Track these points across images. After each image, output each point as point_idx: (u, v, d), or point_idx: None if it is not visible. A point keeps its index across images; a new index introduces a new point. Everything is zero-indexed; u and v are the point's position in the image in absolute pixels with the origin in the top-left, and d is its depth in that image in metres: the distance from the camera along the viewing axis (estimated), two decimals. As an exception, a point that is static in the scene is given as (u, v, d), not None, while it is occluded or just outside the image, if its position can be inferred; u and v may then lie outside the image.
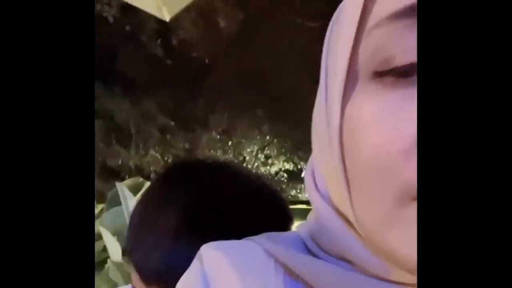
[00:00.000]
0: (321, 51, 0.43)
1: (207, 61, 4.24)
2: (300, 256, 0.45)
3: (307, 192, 0.46)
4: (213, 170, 0.71)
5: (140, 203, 0.71)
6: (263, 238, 0.49)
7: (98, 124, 4.56)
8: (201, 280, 0.47)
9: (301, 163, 5.75)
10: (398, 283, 0.39)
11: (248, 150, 5.28)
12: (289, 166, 5.81)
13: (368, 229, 0.38)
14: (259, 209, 0.66)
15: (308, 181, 0.46)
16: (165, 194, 0.68)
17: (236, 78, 4.52)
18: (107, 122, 4.53)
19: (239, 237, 0.51)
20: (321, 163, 0.44)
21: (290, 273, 0.46)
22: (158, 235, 0.65)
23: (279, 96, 4.53)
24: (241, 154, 5.96)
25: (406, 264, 0.36)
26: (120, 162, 4.48)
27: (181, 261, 0.57)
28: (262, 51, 4.39)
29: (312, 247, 0.46)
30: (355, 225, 0.40)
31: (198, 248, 0.50)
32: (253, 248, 0.48)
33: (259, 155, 5.31)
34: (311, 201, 0.46)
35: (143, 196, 0.71)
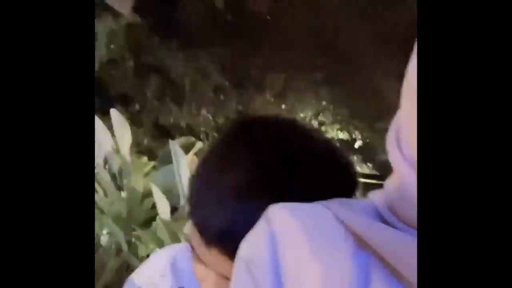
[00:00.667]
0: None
1: (268, 17, 4.07)
2: (374, 224, 0.43)
3: (390, 156, 0.44)
4: (280, 127, 0.68)
5: (203, 162, 0.69)
6: (334, 203, 0.47)
7: (153, 79, 4.48)
8: (268, 240, 0.45)
9: (356, 132, 5.58)
10: None
11: (302, 115, 5.14)
12: (343, 135, 5.67)
13: None
14: (326, 171, 0.64)
15: (391, 144, 0.44)
16: (229, 152, 0.66)
17: (296, 38, 4.34)
18: (162, 77, 4.44)
19: (305, 199, 0.49)
20: (412, 124, 0.40)
21: (360, 242, 0.44)
22: (222, 195, 0.63)
23: (341, 59, 4.36)
24: (293, 119, 5.63)
25: None
26: (172, 120, 4.40)
27: (244, 222, 0.56)
28: (326, 11, 4.19)
29: (388, 217, 0.44)
30: None
31: (262, 209, 0.49)
32: (323, 213, 0.46)
33: (312, 121, 5.19)
34: (394, 165, 0.44)
35: (206, 154, 0.70)
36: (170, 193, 3.56)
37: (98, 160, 3.62)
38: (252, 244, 0.47)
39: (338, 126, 5.49)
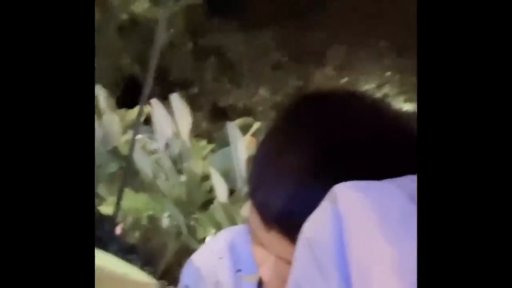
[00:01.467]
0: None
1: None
2: None
3: None
4: (344, 101, 0.65)
5: (264, 140, 0.67)
6: (406, 181, 0.44)
7: (211, 61, 4.53)
8: (334, 221, 0.43)
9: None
10: None
11: (366, 87, 5.02)
12: (408, 107, 5.48)
13: None
14: (395, 147, 0.60)
15: None
16: (290, 130, 0.64)
17: (359, 6, 4.20)
18: (221, 59, 4.49)
19: (372, 178, 0.46)
20: None
21: None
22: (283, 174, 0.61)
23: (405, 25, 4.18)
24: (356, 92, 5.46)
25: None
26: (230, 102, 4.46)
27: (305, 203, 0.53)
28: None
29: None
30: None
31: (325, 190, 0.46)
32: (393, 191, 0.44)
33: (376, 94, 5.05)
34: None
35: (267, 133, 0.67)
36: (228, 176, 3.67)
37: (159, 144, 3.76)
38: (316, 224, 0.45)
39: (403, 97, 5.32)
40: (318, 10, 4.23)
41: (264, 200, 0.63)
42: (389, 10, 4.26)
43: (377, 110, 0.64)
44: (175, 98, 3.75)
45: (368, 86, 5.12)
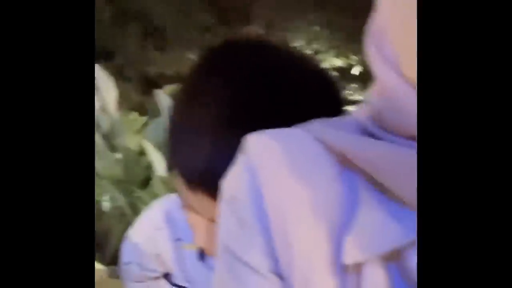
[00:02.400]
0: None
1: None
2: (358, 139, 0.42)
3: (372, 62, 0.43)
4: (255, 51, 0.62)
5: (175, 102, 0.65)
6: (313, 125, 0.45)
7: (133, 27, 4.24)
8: (247, 173, 0.44)
9: (354, 58, 5.32)
10: None
11: (296, 44, 4.89)
12: (340, 62, 5.41)
13: None
14: (311, 100, 0.60)
15: (372, 50, 0.43)
16: (199, 86, 0.62)
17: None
18: (142, 25, 4.21)
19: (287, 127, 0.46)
20: (395, 24, 0.40)
21: (344, 162, 0.42)
22: (198, 132, 0.60)
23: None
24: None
25: None
26: (159, 70, 4.20)
27: (225, 158, 0.52)
28: None
29: (374, 129, 0.43)
30: None
31: (241, 142, 0.46)
32: (302, 136, 0.44)
33: (306, 50, 4.94)
34: (377, 73, 0.42)
35: (178, 93, 0.66)
36: (165, 147, 3.43)
37: None
38: (232, 179, 0.46)
39: (334, 52, 5.23)
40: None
41: (183, 162, 0.61)
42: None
43: (290, 58, 0.62)
44: (96, 70, 3.52)
45: (297, 43, 5.03)
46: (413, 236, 0.38)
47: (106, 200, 3.34)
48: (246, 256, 0.43)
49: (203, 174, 0.59)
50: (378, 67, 0.42)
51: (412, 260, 0.40)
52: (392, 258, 0.41)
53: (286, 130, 0.45)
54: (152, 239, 0.85)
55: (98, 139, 3.37)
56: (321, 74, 0.63)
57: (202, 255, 0.76)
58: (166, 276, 0.83)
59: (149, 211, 0.90)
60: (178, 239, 0.84)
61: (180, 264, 0.84)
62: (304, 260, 0.42)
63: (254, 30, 4.33)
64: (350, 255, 0.41)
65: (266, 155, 0.44)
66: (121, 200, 3.21)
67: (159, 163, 3.26)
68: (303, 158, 0.43)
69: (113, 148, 3.41)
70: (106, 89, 3.50)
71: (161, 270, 0.85)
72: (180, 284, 0.83)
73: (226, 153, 0.52)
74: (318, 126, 0.45)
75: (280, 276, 0.43)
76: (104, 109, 3.49)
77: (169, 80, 4.07)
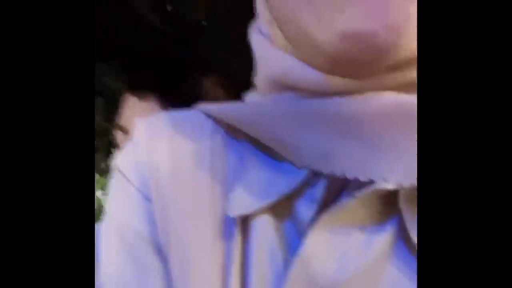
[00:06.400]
0: None
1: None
2: (237, 105, 0.44)
3: (252, 44, 0.46)
4: None
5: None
6: (204, 104, 0.48)
7: (99, 102, 4.05)
8: (133, 152, 0.47)
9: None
10: (339, 93, 0.38)
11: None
12: None
13: (283, 15, 0.38)
14: None
15: (254, 34, 0.46)
16: None
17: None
18: (108, 99, 4.01)
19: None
20: (260, 10, 0.44)
21: (231, 132, 0.45)
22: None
23: None
24: None
25: (325, 48, 0.35)
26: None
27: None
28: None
29: (252, 96, 0.46)
30: (279, 37, 0.41)
31: None
32: (190, 114, 0.48)
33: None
34: (253, 47, 0.46)
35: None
36: None
37: None
38: (121, 157, 0.48)
39: None
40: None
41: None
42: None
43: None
44: None
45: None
46: (295, 185, 0.40)
47: None
48: (130, 222, 0.45)
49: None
50: (254, 40, 0.45)
51: (301, 211, 0.41)
52: (283, 215, 0.41)
53: (177, 111, 0.48)
54: None
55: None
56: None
57: None
58: None
59: None
60: None
61: None
62: (182, 228, 0.43)
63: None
64: (234, 208, 0.42)
65: (149, 135, 0.46)
66: None
67: None
68: (182, 134, 0.45)
69: None
70: None
71: None
72: None
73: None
74: (209, 104, 0.47)
75: (159, 248, 0.44)
76: None
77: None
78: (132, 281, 0.44)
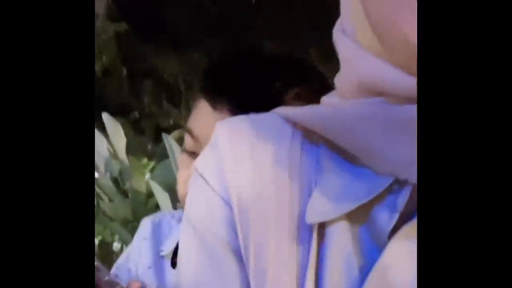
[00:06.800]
0: None
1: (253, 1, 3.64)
2: (317, 109, 0.45)
3: (335, 42, 0.45)
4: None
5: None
6: (283, 108, 0.48)
7: (148, 84, 4.12)
8: (214, 154, 0.48)
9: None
10: None
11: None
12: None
13: (379, 14, 0.37)
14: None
15: (336, 32, 0.46)
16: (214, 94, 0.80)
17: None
18: (157, 82, 4.09)
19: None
20: (344, 3, 0.44)
21: (309, 137, 0.46)
22: None
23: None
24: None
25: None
26: (171, 122, 4.30)
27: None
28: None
29: (331, 99, 0.46)
30: (377, 43, 0.39)
31: None
32: (268, 117, 0.48)
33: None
34: (338, 48, 0.45)
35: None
36: (172, 189, 3.89)
37: (99, 166, 3.46)
38: (201, 160, 0.49)
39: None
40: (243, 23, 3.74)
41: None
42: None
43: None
44: (106, 117, 3.51)
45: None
46: (376, 193, 0.40)
47: (117, 241, 3.61)
48: (210, 227, 0.46)
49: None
50: (339, 42, 0.44)
51: (380, 219, 0.41)
52: (360, 221, 0.42)
53: (256, 115, 0.49)
54: (138, 248, 0.92)
55: (108, 183, 3.47)
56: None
57: (174, 263, 0.85)
58: None
59: (143, 221, 0.97)
60: (161, 251, 0.90)
61: (158, 274, 0.89)
62: (261, 232, 0.44)
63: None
64: (312, 215, 0.42)
65: (230, 139, 0.47)
66: (130, 240, 3.66)
67: (164, 202, 3.26)
68: (263, 137, 0.46)
69: (123, 192, 3.52)
70: (116, 135, 3.57)
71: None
72: None
73: None
74: (288, 108, 0.47)
75: (238, 251, 0.45)
76: (114, 155, 3.56)
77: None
78: (210, 281, 0.45)
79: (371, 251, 0.41)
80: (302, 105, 0.49)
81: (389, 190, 0.40)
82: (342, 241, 0.41)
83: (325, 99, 0.47)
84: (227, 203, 0.46)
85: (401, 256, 0.39)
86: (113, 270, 0.91)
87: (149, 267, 0.87)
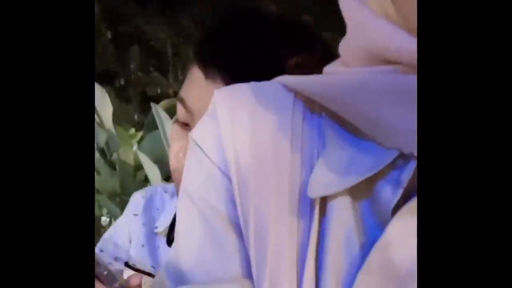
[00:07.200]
0: None
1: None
2: (321, 78, 0.43)
3: (342, 7, 0.43)
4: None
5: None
6: (285, 76, 0.47)
7: (134, 50, 3.90)
8: (211, 123, 0.46)
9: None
10: None
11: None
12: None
13: None
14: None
15: None
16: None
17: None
18: (144, 47, 3.88)
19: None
20: None
21: (311, 107, 0.44)
22: None
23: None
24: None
25: None
26: (159, 91, 4.10)
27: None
28: None
29: (335, 68, 0.44)
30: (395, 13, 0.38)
31: None
32: (269, 86, 0.46)
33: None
34: (345, 12, 0.43)
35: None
36: (162, 161, 3.11)
37: None
38: (198, 129, 0.48)
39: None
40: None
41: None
42: None
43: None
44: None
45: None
46: (381, 166, 0.39)
47: (105, 215, 3.50)
48: (209, 200, 0.45)
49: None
50: (346, 4, 0.42)
51: (383, 194, 0.40)
52: (363, 196, 0.41)
53: (256, 83, 0.47)
54: (129, 224, 0.89)
55: (95, 154, 3.23)
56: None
57: (170, 240, 0.81)
58: (127, 263, 0.81)
59: (132, 197, 0.94)
60: (155, 227, 0.87)
61: (151, 252, 0.86)
62: (261, 206, 0.43)
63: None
64: (315, 189, 0.41)
65: (229, 107, 0.46)
66: (119, 214, 3.24)
67: (153, 175, 3.11)
68: (265, 106, 0.45)
69: (112, 164, 3.35)
70: (102, 105, 3.29)
71: (124, 257, 0.85)
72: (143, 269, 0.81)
73: None
74: (290, 77, 0.46)
75: (237, 225, 0.44)
76: (100, 124, 3.34)
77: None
78: (210, 257, 0.44)
79: (373, 227, 0.40)
80: (303, 74, 0.46)
81: (393, 165, 0.39)
82: (344, 216, 0.41)
83: (327, 68, 0.45)
84: (226, 175, 0.45)
85: (404, 233, 0.38)
86: (98, 244, 0.88)
87: (143, 245, 0.84)
